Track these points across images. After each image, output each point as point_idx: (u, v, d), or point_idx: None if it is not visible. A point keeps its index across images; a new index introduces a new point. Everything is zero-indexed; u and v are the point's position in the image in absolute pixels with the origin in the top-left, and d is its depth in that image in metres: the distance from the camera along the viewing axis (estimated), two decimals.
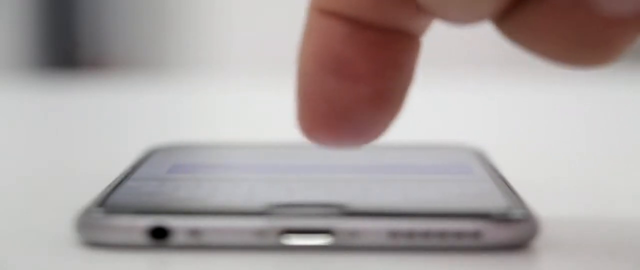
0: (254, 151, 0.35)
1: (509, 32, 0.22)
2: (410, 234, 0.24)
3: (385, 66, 0.24)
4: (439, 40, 0.45)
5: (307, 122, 0.25)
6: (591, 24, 0.21)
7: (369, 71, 0.24)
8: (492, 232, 0.24)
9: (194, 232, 0.24)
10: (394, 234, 0.24)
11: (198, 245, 0.24)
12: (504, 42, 0.23)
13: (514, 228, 0.24)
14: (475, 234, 0.24)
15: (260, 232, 0.24)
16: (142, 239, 0.24)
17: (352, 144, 0.25)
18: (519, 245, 0.24)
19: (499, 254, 0.24)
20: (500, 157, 0.33)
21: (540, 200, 0.26)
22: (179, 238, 0.24)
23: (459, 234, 0.24)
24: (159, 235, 0.24)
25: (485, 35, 0.32)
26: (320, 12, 0.24)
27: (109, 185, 0.27)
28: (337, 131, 0.25)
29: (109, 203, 0.25)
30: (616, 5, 0.21)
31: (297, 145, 0.37)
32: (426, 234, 0.24)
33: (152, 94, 0.71)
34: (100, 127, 0.55)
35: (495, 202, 0.26)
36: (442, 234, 0.24)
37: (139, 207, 0.25)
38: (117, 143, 0.47)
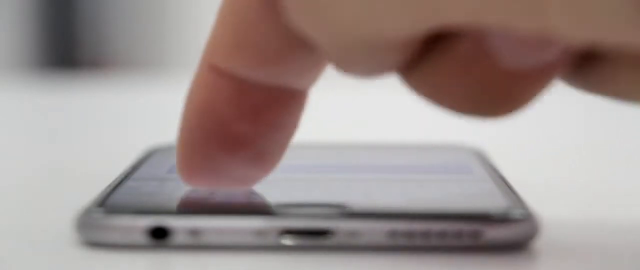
0: None
1: (413, 85, 0.21)
2: (410, 234, 0.24)
3: (267, 128, 0.24)
4: None
5: (184, 170, 0.25)
6: (494, 77, 0.20)
7: (251, 134, 0.24)
8: (492, 232, 0.24)
9: (194, 232, 0.24)
10: (393, 234, 0.24)
11: (198, 245, 0.24)
12: None
13: (514, 228, 0.24)
14: (475, 234, 0.24)
15: (260, 232, 0.24)
16: (142, 239, 0.24)
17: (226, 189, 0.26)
18: (519, 245, 0.24)
19: (499, 254, 0.24)
20: (500, 157, 0.33)
21: (540, 200, 0.26)
22: (179, 238, 0.24)
23: (458, 234, 0.24)
24: (159, 235, 0.24)
25: None
26: (209, 68, 0.24)
27: (109, 185, 0.27)
28: (212, 183, 0.25)
29: (109, 203, 0.25)
30: (518, 58, 0.20)
31: (297, 145, 0.36)
32: (426, 234, 0.24)
33: (152, 94, 0.71)
34: (100, 127, 0.55)
35: (495, 202, 0.26)
36: (442, 234, 0.24)
37: (139, 207, 0.25)
38: (117, 143, 0.47)
